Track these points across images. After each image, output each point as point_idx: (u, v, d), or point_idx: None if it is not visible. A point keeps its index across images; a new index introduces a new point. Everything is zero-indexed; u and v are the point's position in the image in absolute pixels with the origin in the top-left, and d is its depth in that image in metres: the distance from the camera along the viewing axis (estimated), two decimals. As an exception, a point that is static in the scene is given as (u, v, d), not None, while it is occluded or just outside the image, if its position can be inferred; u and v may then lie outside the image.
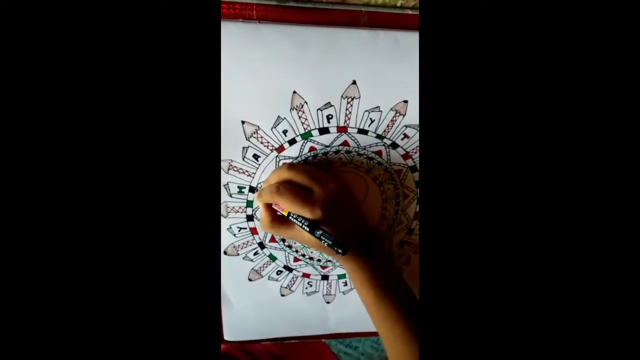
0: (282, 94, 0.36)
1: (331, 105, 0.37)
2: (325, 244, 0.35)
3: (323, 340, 0.72)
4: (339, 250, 0.34)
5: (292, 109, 0.37)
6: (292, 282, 0.51)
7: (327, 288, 0.53)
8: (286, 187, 0.37)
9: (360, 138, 0.40)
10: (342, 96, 0.36)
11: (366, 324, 0.41)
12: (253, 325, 0.54)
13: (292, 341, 0.58)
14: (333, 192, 0.38)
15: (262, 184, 0.41)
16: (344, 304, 0.54)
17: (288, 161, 0.40)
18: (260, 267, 0.49)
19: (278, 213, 0.39)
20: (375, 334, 0.41)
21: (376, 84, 0.36)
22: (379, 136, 0.40)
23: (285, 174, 0.38)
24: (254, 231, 0.46)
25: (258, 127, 0.37)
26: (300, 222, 0.37)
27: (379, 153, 0.41)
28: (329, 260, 0.50)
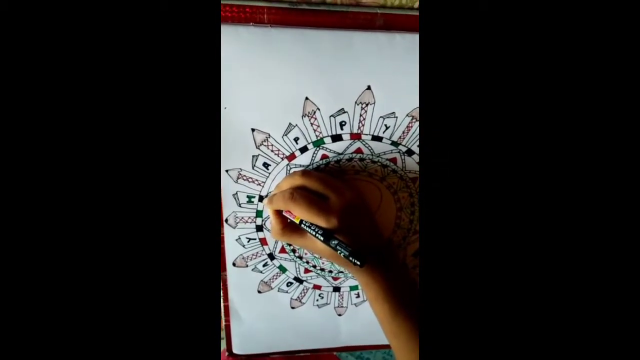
0: (293, 100, 0.34)
1: (345, 112, 0.35)
2: (342, 254, 0.33)
3: (334, 353, 0.70)
4: (357, 262, 0.33)
5: (304, 115, 0.35)
6: (303, 294, 0.50)
7: (338, 300, 0.51)
8: (301, 193, 0.35)
9: (375, 145, 0.38)
10: (356, 102, 0.35)
11: (379, 336, 0.40)
12: (262, 338, 0.53)
13: (303, 354, 0.56)
14: (349, 201, 0.36)
15: (272, 190, 0.40)
16: (356, 316, 0.52)
17: (299, 169, 0.39)
18: (270, 279, 0.48)
19: (289, 220, 0.38)
20: (388, 346, 0.39)
21: (392, 89, 0.34)
22: (394, 143, 0.38)
23: (299, 180, 0.36)
24: (263, 242, 0.44)
25: (269, 134, 0.36)
26: (314, 230, 0.35)
27: (393, 160, 0.40)
28: (341, 272, 0.48)
